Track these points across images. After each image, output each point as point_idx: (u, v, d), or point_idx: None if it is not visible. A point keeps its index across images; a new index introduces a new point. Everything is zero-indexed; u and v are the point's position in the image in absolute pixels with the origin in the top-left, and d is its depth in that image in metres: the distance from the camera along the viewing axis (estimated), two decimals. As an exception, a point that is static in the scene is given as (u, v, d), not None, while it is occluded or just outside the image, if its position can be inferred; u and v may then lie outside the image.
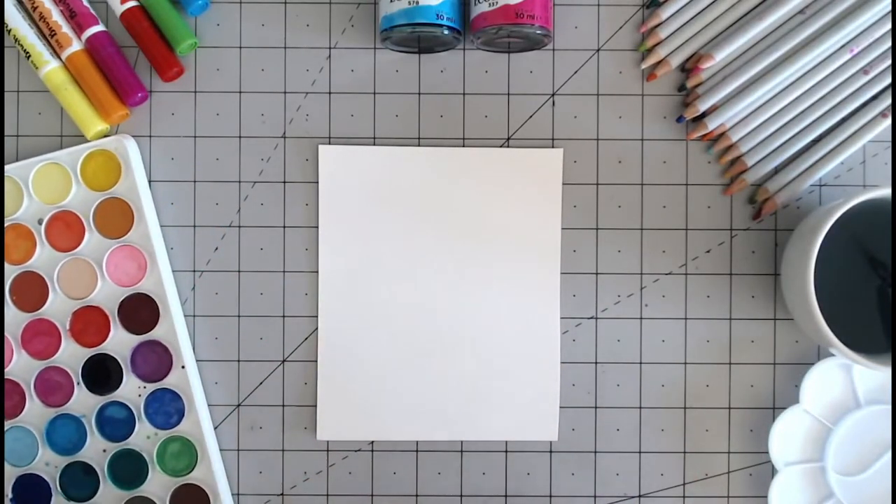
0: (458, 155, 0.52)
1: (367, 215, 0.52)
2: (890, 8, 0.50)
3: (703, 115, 0.52)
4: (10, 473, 0.52)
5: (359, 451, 0.53)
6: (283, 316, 0.53)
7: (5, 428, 0.52)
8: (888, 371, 0.46)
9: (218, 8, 0.53)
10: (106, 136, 0.52)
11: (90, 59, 0.51)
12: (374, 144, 0.53)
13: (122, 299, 0.51)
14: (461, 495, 0.53)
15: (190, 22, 0.52)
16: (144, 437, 0.52)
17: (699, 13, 0.51)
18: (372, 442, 0.53)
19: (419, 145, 0.52)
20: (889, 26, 0.51)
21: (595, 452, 0.53)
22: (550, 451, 0.53)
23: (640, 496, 0.53)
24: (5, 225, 0.52)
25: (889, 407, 0.51)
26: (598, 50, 0.52)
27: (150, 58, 0.52)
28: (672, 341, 0.52)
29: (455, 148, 0.52)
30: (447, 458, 0.53)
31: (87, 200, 0.52)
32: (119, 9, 0.51)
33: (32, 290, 0.52)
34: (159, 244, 0.52)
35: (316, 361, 0.52)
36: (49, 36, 0.51)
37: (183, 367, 0.52)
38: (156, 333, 0.52)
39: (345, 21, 0.53)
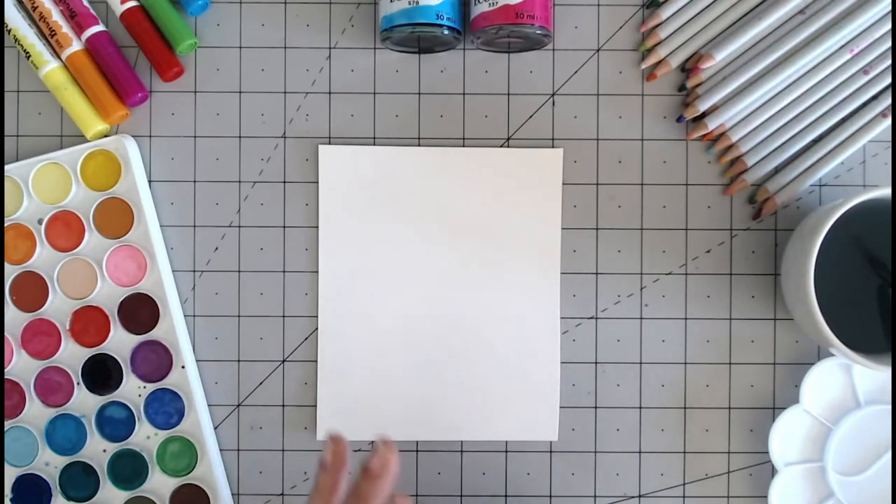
0: (458, 155, 0.52)
1: (367, 215, 0.52)
2: (890, 8, 0.50)
3: (703, 115, 0.52)
4: (10, 473, 0.52)
5: (359, 451, 0.53)
6: (283, 316, 0.53)
7: (5, 428, 0.52)
8: (888, 371, 0.46)
9: (218, 8, 0.53)
10: (106, 136, 0.52)
11: (90, 59, 0.51)
12: (374, 144, 0.53)
13: (122, 299, 0.51)
14: (461, 495, 0.53)
15: (190, 22, 0.52)
16: (144, 437, 0.52)
17: (699, 13, 0.51)
18: (372, 442, 0.53)
19: (419, 145, 0.53)
20: (889, 26, 0.51)
21: (595, 452, 0.53)
22: (550, 451, 0.53)
23: (640, 496, 0.53)
24: (5, 225, 0.52)
25: (889, 407, 0.51)
26: (598, 50, 0.52)
27: (150, 58, 0.52)
28: (672, 341, 0.52)
29: (455, 148, 0.52)
30: (447, 458, 0.53)
31: (87, 200, 0.52)
32: (119, 9, 0.51)
33: (32, 290, 0.52)
34: (159, 244, 0.52)
35: (316, 361, 0.52)
36: (49, 36, 0.51)
37: (183, 367, 0.52)
38: (156, 333, 0.52)
39: (345, 21, 0.53)
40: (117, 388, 0.52)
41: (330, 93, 0.53)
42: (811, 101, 0.51)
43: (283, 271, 0.53)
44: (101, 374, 0.52)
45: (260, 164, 0.53)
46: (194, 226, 0.53)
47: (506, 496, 0.53)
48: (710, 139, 0.52)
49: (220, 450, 0.53)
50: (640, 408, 0.53)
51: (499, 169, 0.52)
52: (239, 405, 0.53)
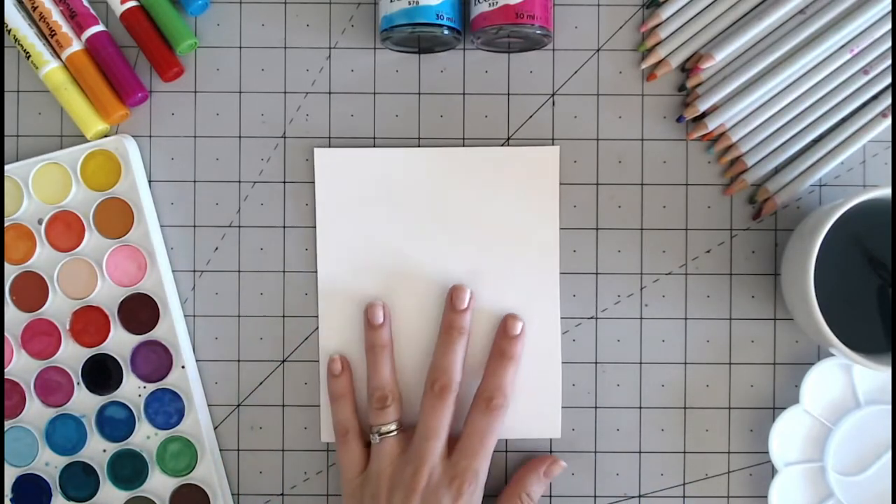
0: (454, 154, 0.52)
1: (364, 216, 0.52)
2: (890, 8, 0.50)
3: (703, 115, 0.52)
4: (10, 473, 0.52)
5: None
6: (283, 316, 0.53)
7: (5, 428, 0.52)
8: (888, 371, 0.46)
9: (218, 8, 0.53)
10: (106, 136, 0.52)
11: (90, 59, 0.51)
12: (375, 144, 0.53)
13: (122, 299, 0.51)
14: (461, 495, 0.53)
15: (190, 22, 0.52)
16: (144, 437, 0.52)
17: (699, 13, 0.51)
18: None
19: (419, 145, 0.52)
20: (889, 26, 0.51)
21: (595, 452, 0.53)
22: (551, 452, 0.52)
23: (640, 496, 0.53)
24: (5, 225, 0.52)
25: (889, 407, 0.51)
26: (598, 50, 0.52)
27: (150, 58, 0.52)
28: (672, 341, 0.52)
29: (450, 147, 0.52)
30: (447, 458, 0.53)
31: (87, 200, 0.52)
32: (119, 9, 0.51)
33: (32, 290, 0.52)
34: (159, 244, 0.52)
35: (316, 361, 0.52)
36: (49, 36, 0.51)
37: (183, 367, 0.52)
38: (156, 333, 0.52)
39: (345, 21, 0.53)
40: (117, 388, 0.52)
41: (330, 93, 0.53)
42: (811, 101, 0.51)
43: (283, 271, 0.53)
44: (101, 374, 0.52)
45: (260, 164, 0.53)
46: (194, 226, 0.53)
47: (506, 496, 0.52)
48: (710, 139, 0.52)
49: (220, 450, 0.53)
50: (640, 408, 0.53)
51: (495, 167, 0.52)
52: (239, 405, 0.53)
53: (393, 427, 0.50)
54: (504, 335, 0.51)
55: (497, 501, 0.51)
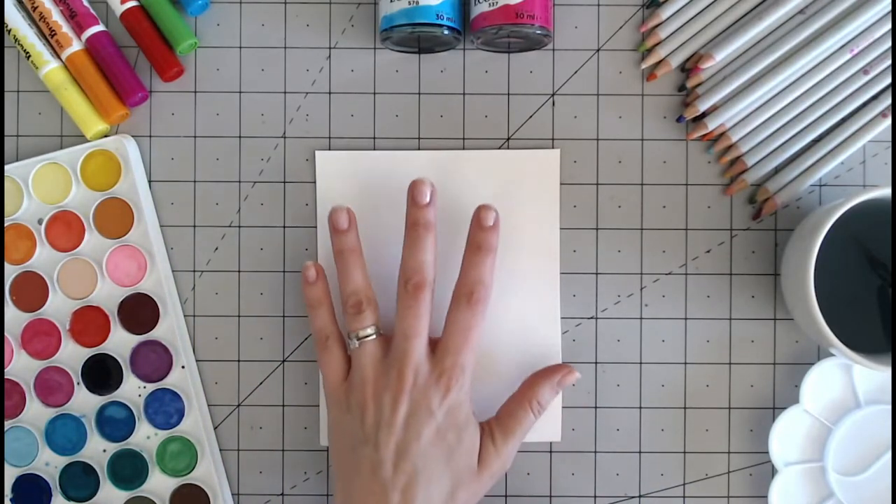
0: (455, 158, 0.52)
1: (365, 219, 0.52)
2: (890, 8, 0.50)
3: (703, 115, 0.52)
4: (10, 473, 0.52)
5: (359, 451, 0.53)
6: (283, 316, 0.53)
7: (5, 428, 0.52)
8: (888, 371, 0.46)
9: (218, 8, 0.53)
10: (106, 136, 0.52)
11: (90, 59, 0.51)
12: (375, 144, 0.53)
13: (122, 299, 0.51)
14: (461, 495, 0.53)
15: (190, 22, 0.52)
16: (144, 437, 0.52)
17: (699, 13, 0.51)
18: (372, 442, 0.53)
19: (419, 145, 0.52)
20: (889, 26, 0.51)
21: (595, 452, 0.53)
22: (550, 451, 0.53)
23: (640, 496, 0.53)
24: (5, 225, 0.52)
25: (889, 407, 0.51)
26: (598, 50, 0.52)
27: (150, 58, 0.52)
28: (672, 341, 0.52)
29: (451, 151, 0.52)
30: (447, 458, 0.53)
31: (87, 200, 0.52)
32: (119, 9, 0.51)
33: (32, 290, 0.52)
34: (159, 244, 0.52)
35: (316, 361, 0.52)
36: (49, 36, 0.51)
37: (183, 367, 0.52)
38: (156, 333, 0.52)
39: (345, 21, 0.53)
40: (117, 388, 0.52)
41: (330, 93, 0.53)
42: (811, 101, 0.51)
43: (283, 271, 0.53)
44: (101, 374, 0.52)
45: (260, 164, 0.53)
46: (194, 226, 0.53)
47: (506, 496, 0.52)
48: (710, 139, 0.52)
49: (220, 450, 0.53)
50: (640, 408, 0.53)
51: (496, 171, 0.52)
52: (239, 405, 0.53)
53: (371, 331, 0.48)
54: (479, 227, 0.48)
55: (505, 406, 0.49)
